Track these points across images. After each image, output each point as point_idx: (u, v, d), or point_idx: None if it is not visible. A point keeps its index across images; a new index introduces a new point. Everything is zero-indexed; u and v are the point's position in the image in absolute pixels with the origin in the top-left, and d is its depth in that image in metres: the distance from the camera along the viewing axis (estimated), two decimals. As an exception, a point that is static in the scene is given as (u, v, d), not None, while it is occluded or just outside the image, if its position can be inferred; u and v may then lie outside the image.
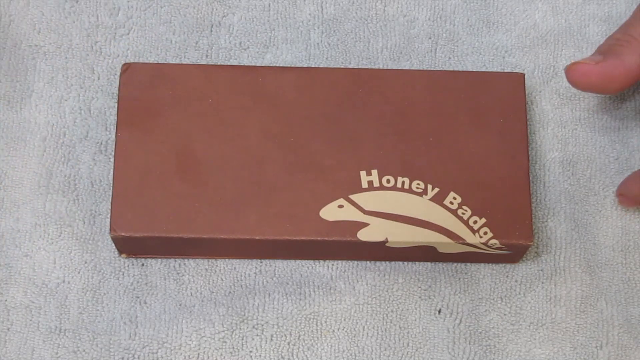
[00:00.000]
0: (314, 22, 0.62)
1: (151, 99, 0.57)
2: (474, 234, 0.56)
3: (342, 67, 0.61)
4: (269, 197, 0.55)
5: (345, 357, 0.57)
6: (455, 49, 0.62)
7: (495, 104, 0.58)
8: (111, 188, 0.57)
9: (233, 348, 0.57)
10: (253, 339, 0.57)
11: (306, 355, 0.57)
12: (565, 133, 0.61)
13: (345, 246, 0.56)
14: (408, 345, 0.57)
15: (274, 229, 0.55)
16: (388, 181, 0.56)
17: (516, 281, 0.58)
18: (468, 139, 0.57)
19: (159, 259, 0.58)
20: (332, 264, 0.58)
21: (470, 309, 0.58)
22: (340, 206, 0.55)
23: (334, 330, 0.57)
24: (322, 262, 0.58)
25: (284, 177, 0.56)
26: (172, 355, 0.56)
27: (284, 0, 0.62)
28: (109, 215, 0.57)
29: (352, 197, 0.56)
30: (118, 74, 0.59)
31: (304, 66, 0.61)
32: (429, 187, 0.56)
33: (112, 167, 0.57)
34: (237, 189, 0.55)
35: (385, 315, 0.58)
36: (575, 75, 0.57)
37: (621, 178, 0.60)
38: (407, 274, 0.58)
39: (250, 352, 0.57)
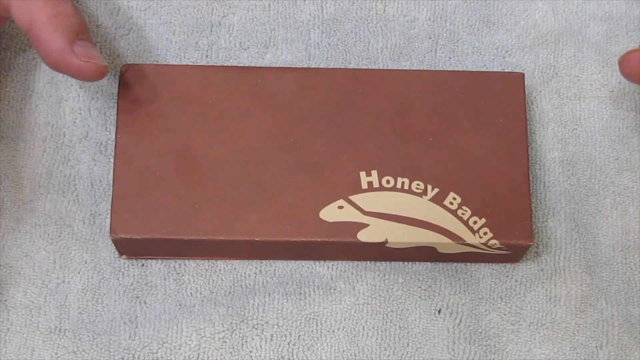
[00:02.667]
0: (314, 22, 0.62)
1: (151, 100, 0.57)
2: (474, 235, 0.56)
3: (342, 67, 0.61)
4: (269, 199, 0.55)
5: (345, 357, 0.57)
6: (456, 49, 0.62)
7: (495, 104, 0.58)
8: (111, 188, 0.57)
9: (233, 348, 0.57)
10: (253, 339, 0.57)
11: (306, 355, 0.57)
12: (565, 133, 0.61)
13: (345, 247, 0.56)
14: (408, 345, 0.57)
15: (273, 231, 0.55)
16: (388, 182, 0.56)
17: (516, 281, 0.58)
18: (468, 139, 0.57)
19: (159, 259, 0.58)
20: (332, 264, 0.58)
21: (470, 309, 0.58)
22: (340, 207, 0.55)
23: (334, 330, 0.57)
24: (322, 262, 0.58)
25: (283, 178, 0.56)
26: (172, 355, 0.56)
27: (284, 0, 0.62)
28: (108, 216, 0.57)
29: (351, 197, 0.56)
30: (118, 74, 0.59)
31: (304, 66, 0.61)
32: (429, 187, 0.56)
33: (112, 168, 0.57)
34: (237, 190, 0.55)
35: (385, 315, 0.58)
36: (630, 66, 0.54)
37: (621, 178, 0.60)
38: (407, 274, 0.58)
39: (250, 352, 0.57)
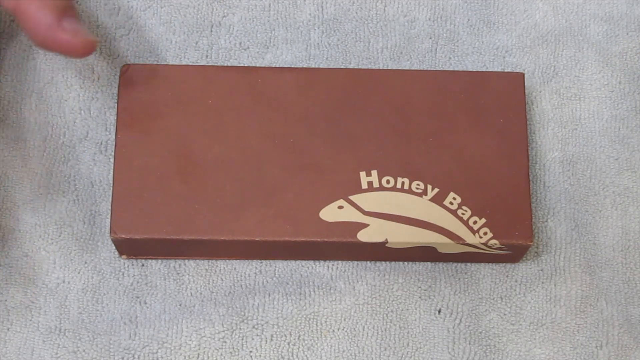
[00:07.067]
0: (314, 22, 0.62)
1: (151, 100, 0.57)
2: (474, 234, 0.56)
3: (342, 67, 0.61)
4: (269, 198, 0.55)
5: (345, 357, 0.57)
6: (456, 49, 0.62)
7: (495, 104, 0.58)
8: (111, 188, 0.57)
9: (233, 348, 0.57)
10: (253, 339, 0.57)
11: (306, 355, 0.57)
12: (565, 133, 0.61)
13: (345, 247, 0.56)
14: (408, 345, 0.57)
15: (273, 230, 0.55)
16: (388, 182, 0.56)
17: (516, 281, 0.58)
18: (468, 139, 0.57)
19: (159, 259, 0.58)
20: (332, 264, 0.58)
21: (470, 309, 0.58)
22: (340, 207, 0.56)
23: (334, 330, 0.57)
24: (322, 262, 0.58)
25: (283, 178, 0.56)
26: (172, 355, 0.56)
27: (284, 0, 0.62)
28: (109, 216, 0.57)
29: (351, 197, 0.56)
30: (118, 74, 0.59)
31: (304, 66, 0.61)
32: (429, 187, 0.56)
33: (112, 168, 0.57)
34: (237, 190, 0.56)
35: (385, 315, 0.58)
36: None
37: (621, 178, 0.60)
38: (407, 274, 0.58)
39: (250, 352, 0.57)
